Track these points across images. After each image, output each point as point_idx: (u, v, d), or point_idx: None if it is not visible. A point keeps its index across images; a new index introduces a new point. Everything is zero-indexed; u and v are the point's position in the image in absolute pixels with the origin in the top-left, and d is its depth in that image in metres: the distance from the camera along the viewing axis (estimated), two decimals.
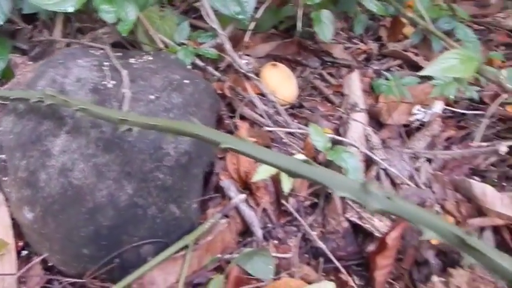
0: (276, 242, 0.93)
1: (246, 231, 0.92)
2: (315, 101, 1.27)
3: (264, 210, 0.94)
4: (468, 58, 0.86)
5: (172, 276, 0.82)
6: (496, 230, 0.85)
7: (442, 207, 0.90)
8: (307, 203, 0.98)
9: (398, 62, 1.43)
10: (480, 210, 0.87)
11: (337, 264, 0.87)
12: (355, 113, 1.02)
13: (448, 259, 0.83)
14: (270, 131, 1.07)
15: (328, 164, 0.95)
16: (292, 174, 0.50)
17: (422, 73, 0.86)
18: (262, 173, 0.85)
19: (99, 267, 0.79)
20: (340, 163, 0.88)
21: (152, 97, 0.83)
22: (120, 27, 0.88)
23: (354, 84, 1.04)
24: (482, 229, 0.85)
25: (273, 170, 0.87)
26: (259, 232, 0.90)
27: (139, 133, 0.79)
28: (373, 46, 1.49)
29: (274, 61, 1.30)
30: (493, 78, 1.02)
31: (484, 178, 1.01)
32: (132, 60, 0.93)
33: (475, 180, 0.99)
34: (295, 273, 0.89)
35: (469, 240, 0.39)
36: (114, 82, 0.83)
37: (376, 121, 1.22)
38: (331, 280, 0.87)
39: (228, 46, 1.05)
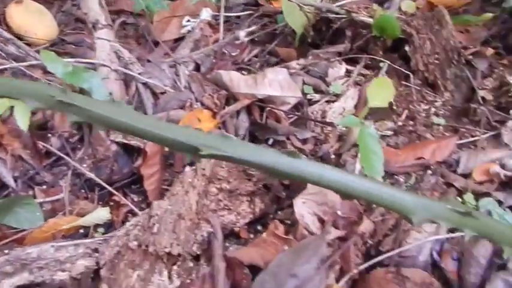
0: (44, 187, 0.86)
1: (1, 186, 0.83)
2: (81, 34, 1.17)
3: (19, 157, 0.85)
4: None
5: None
6: (248, 110, 0.89)
7: (202, 103, 0.91)
8: (75, 138, 0.92)
9: None
10: (234, 97, 0.90)
11: (110, 188, 0.84)
12: (99, 31, 0.95)
13: None
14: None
15: None
16: None
17: None
18: None
19: None
20: (82, 85, 0.82)
21: None
22: None
23: (90, 0, 0.96)
24: (238, 113, 0.89)
25: None
26: (12, 182, 0.81)
27: None
28: None
29: None
30: None
31: (249, 70, 1.05)
32: None
33: (242, 73, 1.02)
34: (71, 211, 0.83)
35: (62, 97, 0.36)
36: None
37: (152, 40, 1.18)
38: (110, 206, 0.84)
39: None
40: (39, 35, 1.08)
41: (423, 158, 0.76)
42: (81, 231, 0.82)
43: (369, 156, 0.59)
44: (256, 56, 1.10)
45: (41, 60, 0.99)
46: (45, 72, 1.01)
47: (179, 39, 1.18)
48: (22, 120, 0.78)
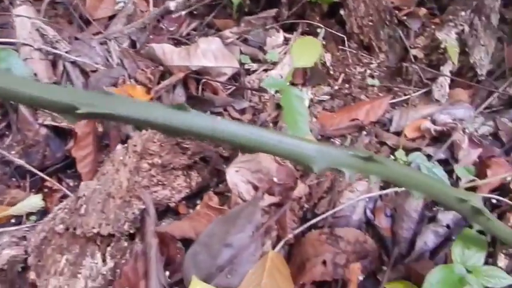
0: None
1: None
2: (5, 15, 1.09)
3: None
4: None
5: None
6: (184, 84, 0.86)
7: (136, 79, 0.87)
8: (2, 124, 0.86)
9: None
10: (170, 71, 0.87)
11: (41, 174, 0.79)
12: (17, 8, 0.88)
13: None
14: None
15: None
16: None
17: None
18: None
19: None
20: (0, 65, 0.76)
21: None
22: None
23: None
24: (174, 87, 0.86)
25: None
26: None
27: None
28: None
29: None
30: None
31: (187, 45, 1.01)
32: None
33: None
34: (1, 201, 0.79)
35: None
36: None
37: (85, 18, 1.12)
38: (43, 192, 0.80)
39: None
40: None
41: (357, 119, 0.76)
42: (13, 221, 0.78)
43: (294, 117, 0.58)
44: (195, 29, 1.06)
45: None
46: None
47: (114, 16, 1.13)
48: None
